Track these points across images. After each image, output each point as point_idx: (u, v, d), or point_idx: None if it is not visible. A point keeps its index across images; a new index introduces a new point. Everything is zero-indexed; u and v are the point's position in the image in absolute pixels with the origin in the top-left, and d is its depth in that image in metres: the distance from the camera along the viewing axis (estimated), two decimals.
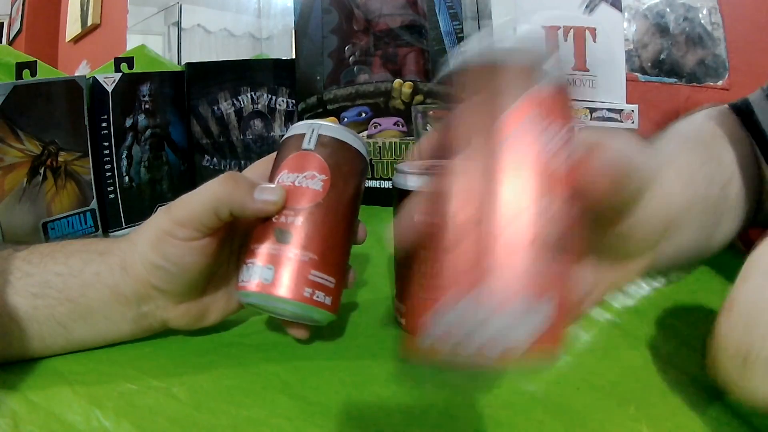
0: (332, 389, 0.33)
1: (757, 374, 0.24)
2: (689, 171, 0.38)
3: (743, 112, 0.45)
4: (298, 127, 0.36)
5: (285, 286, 0.32)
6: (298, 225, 0.33)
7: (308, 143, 0.35)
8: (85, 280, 0.34)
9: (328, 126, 0.36)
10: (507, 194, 0.19)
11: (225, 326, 0.40)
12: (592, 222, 0.25)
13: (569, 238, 0.20)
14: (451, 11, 0.75)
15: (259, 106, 0.81)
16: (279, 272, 0.32)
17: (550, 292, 0.18)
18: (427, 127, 0.52)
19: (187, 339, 0.38)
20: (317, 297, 0.33)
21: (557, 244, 0.19)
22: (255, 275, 0.33)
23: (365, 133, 0.79)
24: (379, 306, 0.43)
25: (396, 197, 0.38)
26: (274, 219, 0.34)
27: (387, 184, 0.78)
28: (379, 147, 0.78)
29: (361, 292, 0.47)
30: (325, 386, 0.33)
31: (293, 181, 0.34)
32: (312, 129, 0.35)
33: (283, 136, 0.38)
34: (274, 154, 0.38)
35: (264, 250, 0.33)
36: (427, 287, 0.20)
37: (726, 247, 0.44)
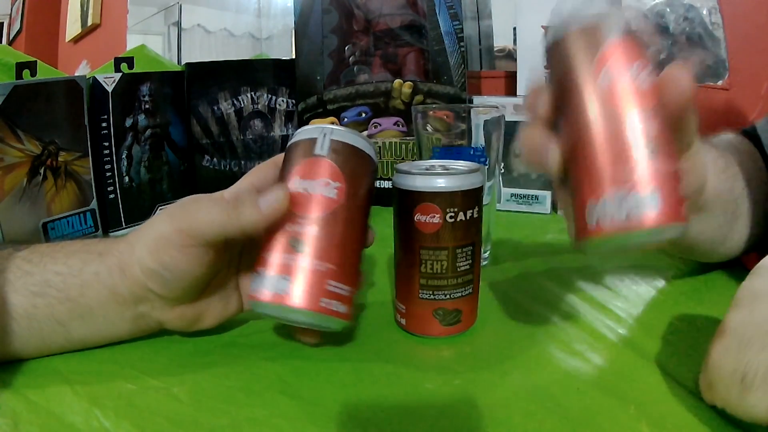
0: (332, 389, 0.33)
1: (755, 392, 0.25)
2: (717, 167, 0.39)
3: (752, 136, 0.47)
4: (308, 131, 0.35)
5: (302, 297, 0.31)
6: (314, 234, 0.32)
7: (321, 149, 0.34)
8: (84, 280, 0.34)
9: (340, 131, 0.35)
10: (617, 113, 0.27)
11: (225, 326, 0.40)
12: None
13: (668, 142, 0.27)
14: (451, 11, 0.75)
15: (259, 106, 0.81)
16: (295, 283, 0.31)
17: (657, 183, 0.26)
18: (428, 127, 0.52)
19: (187, 339, 0.38)
20: (335, 307, 0.32)
21: (661, 147, 0.27)
22: (269, 285, 0.32)
23: (365, 133, 0.79)
24: (380, 306, 0.43)
25: (396, 197, 0.38)
26: (287, 227, 0.33)
27: (387, 184, 0.78)
28: (379, 147, 0.78)
29: (362, 292, 0.47)
30: (326, 386, 0.33)
31: (306, 187, 0.33)
32: (324, 134, 0.34)
33: (287, 137, 0.37)
34: (277, 157, 0.37)
35: (277, 259, 0.32)
36: (578, 185, 0.28)
37: (733, 260, 0.46)
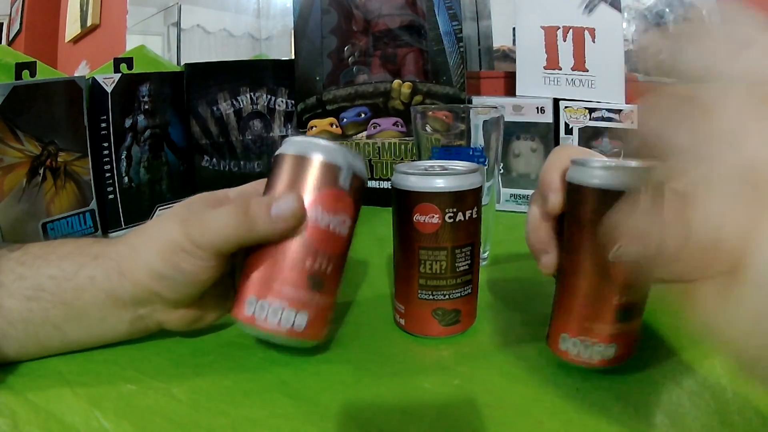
0: (332, 389, 0.33)
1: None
2: None
3: None
4: (330, 151, 0.33)
5: (314, 331, 0.33)
6: (330, 273, 0.33)
7: (345, 181, 0.33)
8: (78, 284, 0.34)
9: (360, 163, 0.34)
10: (614, 285, 0.30)
11: (225, 326, 0.40)
12: None
13: (641, 306, 0.31)
14: (450, 11, 0.75)
15: (259, 107, 0.81)
16: (311, 319, 0.33)
17: (619, 340, 0.32)
18: (427, 127, 0.52)
19: (187, 339, 0.38)
20: (329, 331, 0.35)
21: (636, 313, 0.31)
22: (286, 320, 0.32)
23: (364, 133, 0.79)
24: (379, 306, 0.43)
25: (395, 197, 0.38)
26: (307, 262, 0.32)
27: (386, 185, 0.78)
28: (379, 147, 0.78)
29: (361, 292, 0.47)
30: (325, 386, 0.33)
31: (328, 224, 0.33)
32: (348, 165, 0.33)
33: (286, 137, 0.36)
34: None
35: (296, 295, 0.32)
36: (559, 308, 0.33)
37: None
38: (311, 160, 0.33)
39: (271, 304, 0.32)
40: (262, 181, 0.36)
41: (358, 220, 0.35)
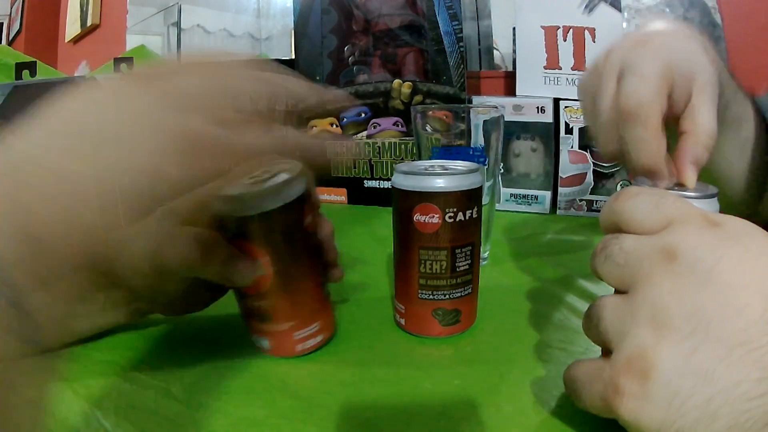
0: (332, 389, 0.33)
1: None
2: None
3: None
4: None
5: (281, 350, 0.36)
6: (268, 307, 0.35)
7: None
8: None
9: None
10: None
11: (225, 326, 0.40)
12: None
13: None
14: (450, 11, 0.75)
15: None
16: (273, 343, 0.36)
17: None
18: (427, 127, 0.52)
19: (187, 339, 0.38)
20: (311, 343, 0.36)
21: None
22: (259, 343, 0.36)
23: (364, 133, 0.79)
24: (379, 306, 0.43)
25: (395, 197, 0.38)
26: (248, 303, 0.35)
27: (386, 184, 0.78)
28: (379, 147, 0.78)
29: (361, 292, 0.47)
30: (325, 386, 0.33)
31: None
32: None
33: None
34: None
35: (257, 326, 0.36)
36: None
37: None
38: None
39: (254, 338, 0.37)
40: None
41: (289, 230, 0.34)
